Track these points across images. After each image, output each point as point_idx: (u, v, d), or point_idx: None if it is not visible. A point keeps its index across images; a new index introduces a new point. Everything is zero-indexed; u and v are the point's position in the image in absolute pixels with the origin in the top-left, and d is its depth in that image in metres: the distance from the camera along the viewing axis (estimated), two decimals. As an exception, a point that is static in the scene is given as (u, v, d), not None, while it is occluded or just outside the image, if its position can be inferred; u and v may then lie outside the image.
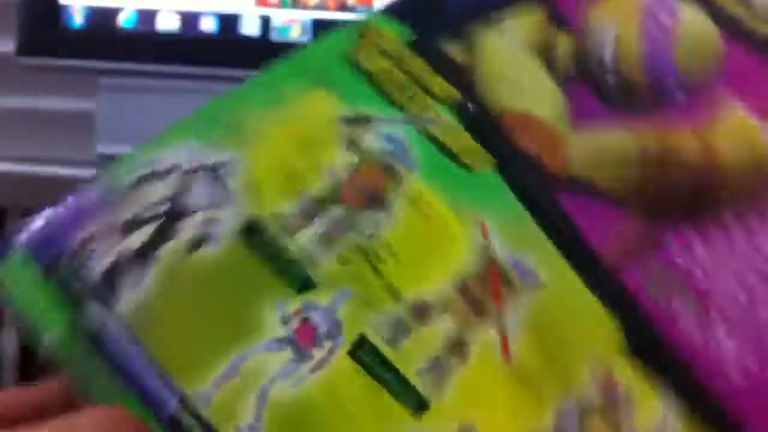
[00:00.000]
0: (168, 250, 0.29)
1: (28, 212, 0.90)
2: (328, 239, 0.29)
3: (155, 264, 0.29)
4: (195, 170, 0.30)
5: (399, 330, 0.28)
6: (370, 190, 0.30)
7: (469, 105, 0.31)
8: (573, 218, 0.30)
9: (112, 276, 0.28)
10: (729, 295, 0.29)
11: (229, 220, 0.29)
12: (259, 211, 0.29)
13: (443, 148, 0.31)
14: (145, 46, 0.67)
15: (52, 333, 0.28)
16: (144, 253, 0.29)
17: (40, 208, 0.31)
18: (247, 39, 0.66)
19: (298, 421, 0.27)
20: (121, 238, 0.29)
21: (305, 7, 0.65)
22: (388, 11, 0.33)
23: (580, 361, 0.28)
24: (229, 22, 0.66)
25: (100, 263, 0.29)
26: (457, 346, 0.28)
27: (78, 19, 0.67)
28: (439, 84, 0.32)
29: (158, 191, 0.30)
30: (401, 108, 0.31)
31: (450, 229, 0.29)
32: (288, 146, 0.30)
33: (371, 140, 0.31)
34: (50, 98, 0.79)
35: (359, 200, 0.30)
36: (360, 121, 0.31)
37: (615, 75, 0.32)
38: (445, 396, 0.28)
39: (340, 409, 0.27)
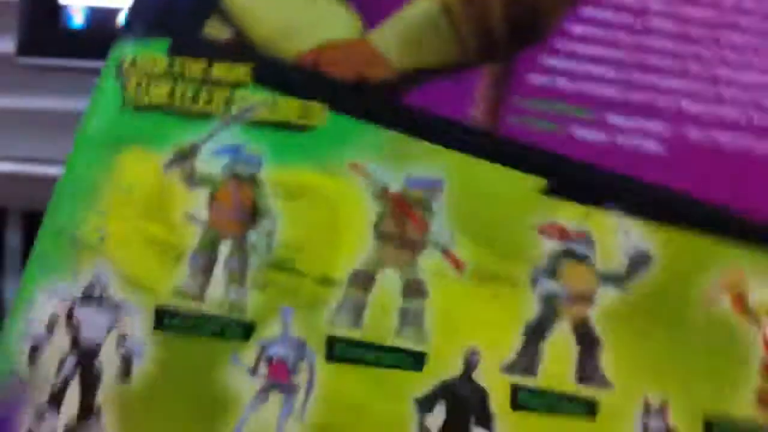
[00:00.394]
0: (106, 391, 0.28)
1: (28, 213, 0.90)
2: (235, 278, 0.28)
3: (104, 411, 0.27)
4: (73, 306, 0.29)
5: (354, 309, 0.27)
6: (238, 209, 0.28)
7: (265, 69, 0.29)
8: (431, 110, 0.28)
9: None
10: (606, 84, 0.28)
11: (137, 326, 0.28)
12: (157, 299, 0.28)
13: (275, 126, 0.29)
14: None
15: None
16: (88, 409, 0.28)
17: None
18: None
19: None
20: (57, 412, 0.28)
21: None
22: (131, 36, 0.31)
23: (522, 229, 0.28)
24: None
25: None
26: (412, 288, 0.28)
27: (78, 19, 0.67)
28: (224, 70, 0.29)
29: (55, 352, 0.28)
30: (210, 117, 0.29)
31: (333, 192, 0.28)
32: (137, 222, 0.29)
33: (207, 163, 0.29)
34: (50, 98, 0.79)
35: (236, 225, 0.28)
36: (185, 154, 0.29)
37: None
38: (432, 339, 0.27)
39: (355, 413, 0.27)
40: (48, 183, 0.77)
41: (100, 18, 0.67)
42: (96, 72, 0.69)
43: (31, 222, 0.95)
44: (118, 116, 0.30)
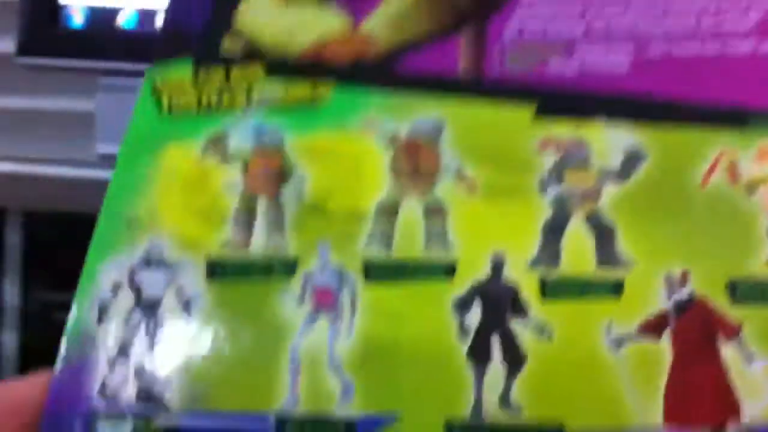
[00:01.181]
0: (167, 336, 0.31)
1: (28, 212, 0.90)
2: (274, 226, 0.32)
3: (166, 357, 0.31)
4: (133, 272, 0.32)
5: (384, 235, 0.31)
6: (269, 173, 0.33)
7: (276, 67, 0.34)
8: (422, 72, 0.33)
9: (146, 387, 0.31)
10: (569, 25, 0.33)
11: (192, 279, 0.32)
12: (207, 253, 0.32)
13: (290, 106, 0.33)
14: (144, 46, 0.67)
15: None
16: (152, 353, 0.31)
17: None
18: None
19: (374, 357, 0.29)
20: (127, 360, 0.31)
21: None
22: (160, 61, 0.36)
23: (522, 147, 0.31)
24: (229, 22, 0.66)
25: (128, 389, 0.31)
26: (433, 210, 0.31)
27: (78, 19, 0.68)
28: (240, 72, 0.34)
29: (120, 310, 0.32)
30: (233, 109, 0.34)
31: (350, 146, 0.32)
32: (183, 198, 0.33)
33: (237, 143, 0.33)
34: (50, 98, 0.79)
35: (269, 186, 0.32)
36: (216, 139, 0.34)
37: None
38: (458, 249, 0.30)
39: (397, 322, 0.30)
40: (47, 183, 0.78)
41: (100, 18, 0.68)
42: (95, 72, 0.69)
43: (31, 221, 0.96)
44: (156, 122, 0.35)
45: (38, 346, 0.87)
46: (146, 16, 0.67)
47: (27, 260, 0.92)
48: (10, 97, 0.79)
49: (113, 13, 0.68)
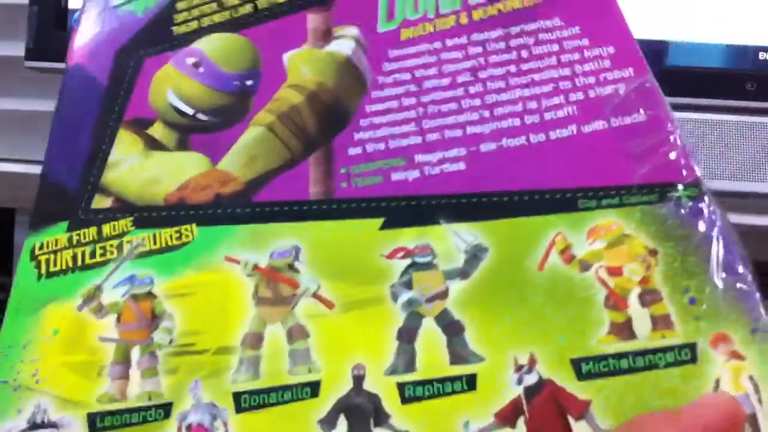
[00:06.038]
0: None
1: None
2: (147, 372, 0.33)
3: None
4: None
5: (251, 365, 0.32)
6: (141, 320, 0.34)
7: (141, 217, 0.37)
8: (277, 202, 0.35)
9: None
10: (406, 137, 0.35)
11: None
12: (87, 408, 0.33)
13: (157, 252, 0.35)
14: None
15: None
16: None
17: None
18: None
19: None
20: None
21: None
22: (36, 229, 0.39)
23: (372, 260, 0.33)
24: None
25: None
26: (295, 333, 0.32)
27: (85, 24, 0.68)
28: (111, 228, 0.37)
29: None
30: (106, 264, 0.36)
31: (215, 283, 0.34)
32: (63, 357, 0.35)
33: (110, 296, 0.35)
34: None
35: (142, 333, 0.34)
36: (91, 295, 0.36)
37: (204, 113, 0.39)
38: (321, 367, 0.32)
39: None
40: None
41: (106, 23, 0.68)
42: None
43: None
44: (36, 286, 0.37)
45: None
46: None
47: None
48: (18, 100, 0.80)
49: (119, 17, 0.68)
